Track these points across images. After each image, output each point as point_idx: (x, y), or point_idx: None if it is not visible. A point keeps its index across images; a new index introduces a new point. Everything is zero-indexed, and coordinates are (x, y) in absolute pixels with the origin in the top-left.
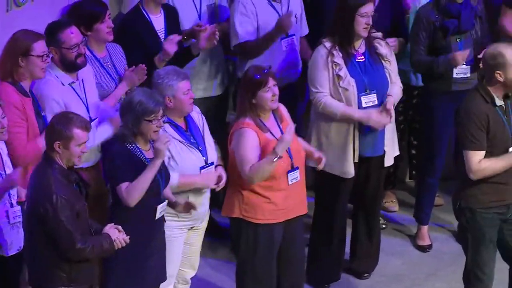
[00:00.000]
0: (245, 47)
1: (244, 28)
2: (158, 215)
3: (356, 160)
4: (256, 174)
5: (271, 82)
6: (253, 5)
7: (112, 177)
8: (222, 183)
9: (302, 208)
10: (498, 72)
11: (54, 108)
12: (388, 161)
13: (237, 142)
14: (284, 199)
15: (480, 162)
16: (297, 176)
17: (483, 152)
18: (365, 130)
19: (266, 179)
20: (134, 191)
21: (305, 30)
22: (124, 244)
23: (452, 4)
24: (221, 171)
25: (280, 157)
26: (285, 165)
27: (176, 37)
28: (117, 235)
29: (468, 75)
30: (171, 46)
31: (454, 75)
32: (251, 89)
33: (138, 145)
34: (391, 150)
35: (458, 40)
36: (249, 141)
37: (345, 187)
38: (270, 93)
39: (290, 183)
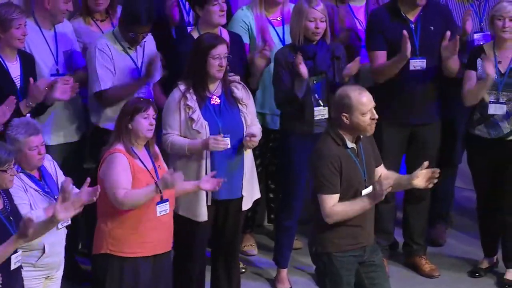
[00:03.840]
0: (106, 94)
1: (105, 75)
2: (13, 266)
3: (210, 203)
4: (130, 201)
5: (152, 111)
6: (110, 53)
7: None
8: None
9: (170, 244)
10: (344, 114)
11: None
12: (246, 205)
13: (108, 167)
14: (151, 230)
15: (334, 206)
16: (166, 209)
17: (337, 196)
18: (219, 171)
19: (134, 208)
20: None
21: (158, 76)
22: None
23: (307, 45)
24: None
25: (161, 192)
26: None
27: (43, 83)
28: None
29: (326, 116)
30: (38, 91)
31: (315, 118)
32: (130, 112)
33: None
34: (249, 193)
35: (315, 81)
36: (120, 165)
37: (201, 230)
38: (147, 121)
39: (158, 214)
